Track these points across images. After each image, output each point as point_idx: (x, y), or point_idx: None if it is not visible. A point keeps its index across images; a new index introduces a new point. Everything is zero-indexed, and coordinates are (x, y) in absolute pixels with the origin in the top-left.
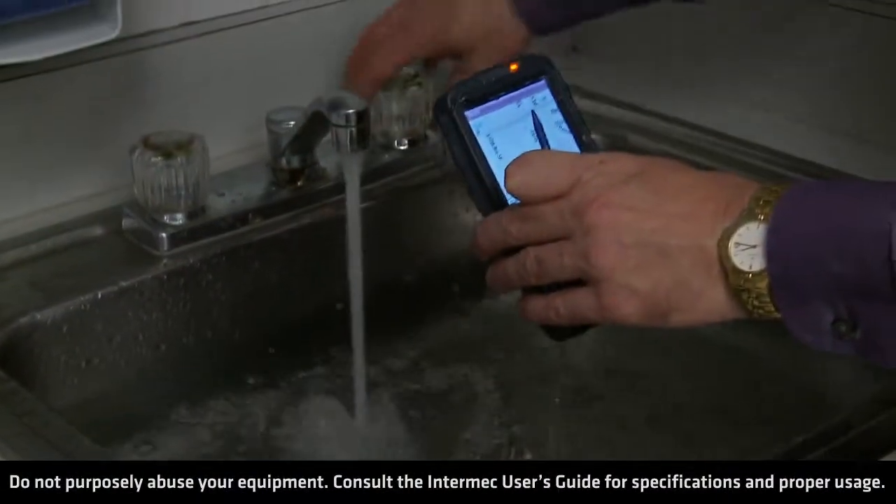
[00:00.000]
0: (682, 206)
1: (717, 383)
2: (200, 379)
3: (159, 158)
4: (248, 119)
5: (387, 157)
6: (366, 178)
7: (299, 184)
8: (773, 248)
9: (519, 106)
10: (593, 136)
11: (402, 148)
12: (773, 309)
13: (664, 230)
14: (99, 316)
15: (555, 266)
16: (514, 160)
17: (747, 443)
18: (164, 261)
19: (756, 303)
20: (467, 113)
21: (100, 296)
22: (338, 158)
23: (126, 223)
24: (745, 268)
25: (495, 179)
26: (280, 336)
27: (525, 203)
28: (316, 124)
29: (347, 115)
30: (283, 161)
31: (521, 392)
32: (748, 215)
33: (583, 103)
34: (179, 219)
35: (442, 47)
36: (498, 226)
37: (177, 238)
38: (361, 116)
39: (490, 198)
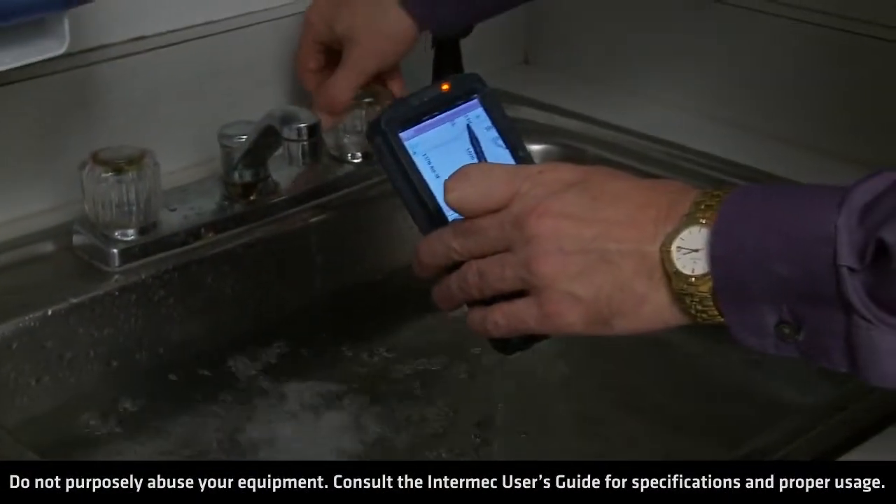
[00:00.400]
0: (623, 212)
1: (664, 385)
2: (154, 395)
3: (110, 174)
4: (199, 134)
5: (340, 171)
6: (319, 192)
7: (252, 198)
8: (717, 252)
9: (453, 125)
10: (532, 148)
11: (355, 161)
12: (716, 313)
13: (605, 236)
14: (49, 333)
15: (496, 278)
16: (453, 174)
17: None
18: (116, 277)
19: (699, 307)
20: (402, 134)
21: (50, 313)
22: (290, 172)
23: (77, 239)
24: (687, 271)
25: (434, 198)
26: (234, 350)
27: (465, 217)
28: (268, 138)
29: (299, 129)
30: (236, 175)
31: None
32: (690, 219)
33: (536, 114)
34: (131, 235)
35: (334, 37)
36: (440, 242)
37: (128, 254)
38: (313, 130)
39: (430, 217)
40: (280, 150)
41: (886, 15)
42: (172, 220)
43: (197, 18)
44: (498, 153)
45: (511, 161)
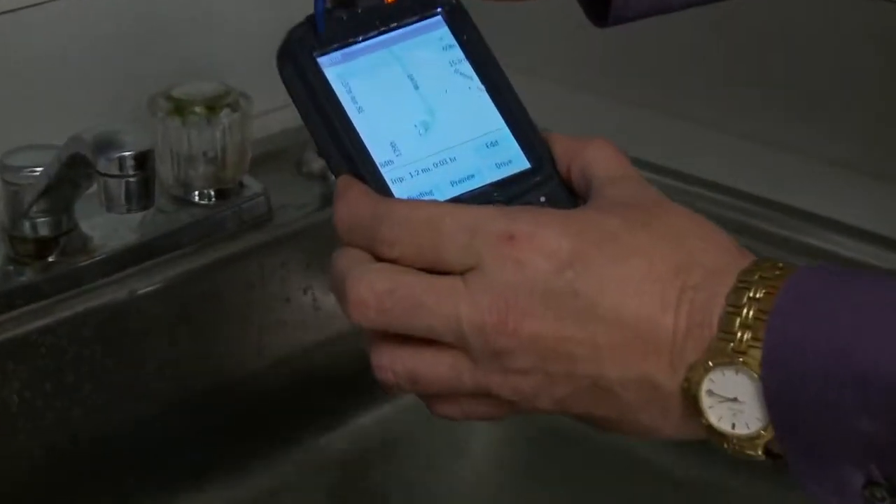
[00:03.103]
0: (627, 317)
1: None
2: None
3: None
4: None
5: (185, 218)
6: (151, 250)
7: (50, 259)
8: (772, 403)
9: (394, 52)
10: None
11: (206, 203)
12: (767, 457)
13: (598, 358)
14: None
15: (445, 384)
16: (390, 205)
17: None
18: None
19: (748, 453)
20: (321, 59)
21: None
22: (108, 221)
23: None
24: (725, 427)
25: (359, 141)
26: (21, 480)
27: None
28: (75, 172)
29: (122, 159)
30: (26, 227)
31: None
32: (724, 348)
33: None
34: None
35: None
36: (364, 236)
37: None
38: (143, 159)
39: (350, 164)
40: (93, 189)
41: None
42: None
43: None
44: (460, 84)
45: (484, 96)
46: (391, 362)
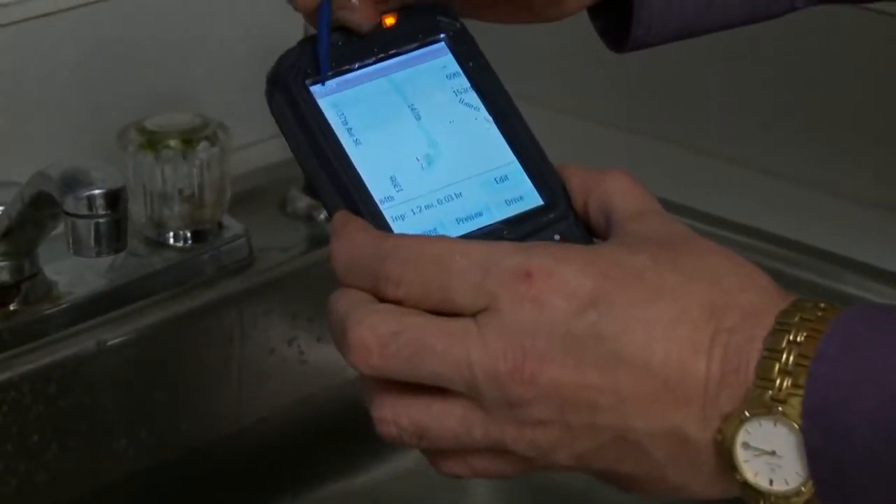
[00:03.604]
0: (655, 364)
1: None
2: None
3: None
4: None
5: (158, 262)
6: (123, 296)
7: (12, 307)
8: (815, 446)
9: (393, 80)
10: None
11: (181, 245)
12: None
13: (622, 409)
14: None
15: (452, 438)
16: (389, 241)
17: None
18: None
19: None
20: (313, 88)
21: None
22: (75, 266)
23: None
24: (762, 483)
25: (356, 175)
26: None
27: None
28: (39, 212)
29: (91, 198)
30: None
31: None
32: (759, 398)
33: None
34: None
35: None
36: (367, 276)
37: None
38: (115, 198)
39: (349, 200)
40: (59, 230)
41: None
42: None
43: None
44: (466, 114)
45: (491, 127)
46: (394, 414)
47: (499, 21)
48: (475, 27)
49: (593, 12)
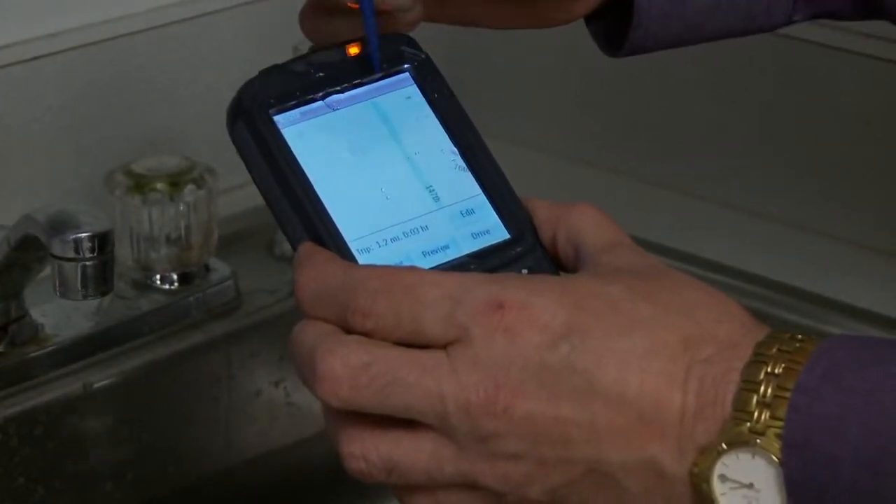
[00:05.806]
0: (630, 396)
1: None
2: None
3: None
4: None
5: (145, 305)
6: (107, 340)
7: None
8: (795, 479)
9: (357, 110)
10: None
11: (168, 288)
12: None
13: (598, 441)
14: None
15: (422, 474)
16: (362, 272)
17: None
18: None
19: None
20: (278, 118)
21: None
22: (62, 309)
23: None
24: None
25: (321, 206)
26: None
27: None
28: (26, 255)
29: (78, 241)
30: None
31: None
32: (736, 431)
33: None
34: None
35: None
36: (334, 307)
37: None
38: (102, 241)
39: (313, 231)
40: (46, 273)
41: None
42: None
43: None
44: (430, 148)
45: (457, 162)
46: (363, 449)
47: (503, 26)
48: (440, 58)
49: (590, 15)
